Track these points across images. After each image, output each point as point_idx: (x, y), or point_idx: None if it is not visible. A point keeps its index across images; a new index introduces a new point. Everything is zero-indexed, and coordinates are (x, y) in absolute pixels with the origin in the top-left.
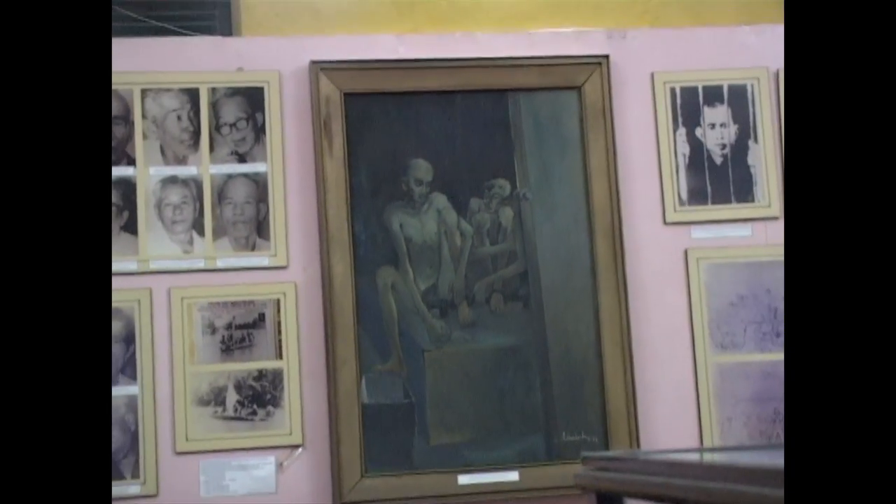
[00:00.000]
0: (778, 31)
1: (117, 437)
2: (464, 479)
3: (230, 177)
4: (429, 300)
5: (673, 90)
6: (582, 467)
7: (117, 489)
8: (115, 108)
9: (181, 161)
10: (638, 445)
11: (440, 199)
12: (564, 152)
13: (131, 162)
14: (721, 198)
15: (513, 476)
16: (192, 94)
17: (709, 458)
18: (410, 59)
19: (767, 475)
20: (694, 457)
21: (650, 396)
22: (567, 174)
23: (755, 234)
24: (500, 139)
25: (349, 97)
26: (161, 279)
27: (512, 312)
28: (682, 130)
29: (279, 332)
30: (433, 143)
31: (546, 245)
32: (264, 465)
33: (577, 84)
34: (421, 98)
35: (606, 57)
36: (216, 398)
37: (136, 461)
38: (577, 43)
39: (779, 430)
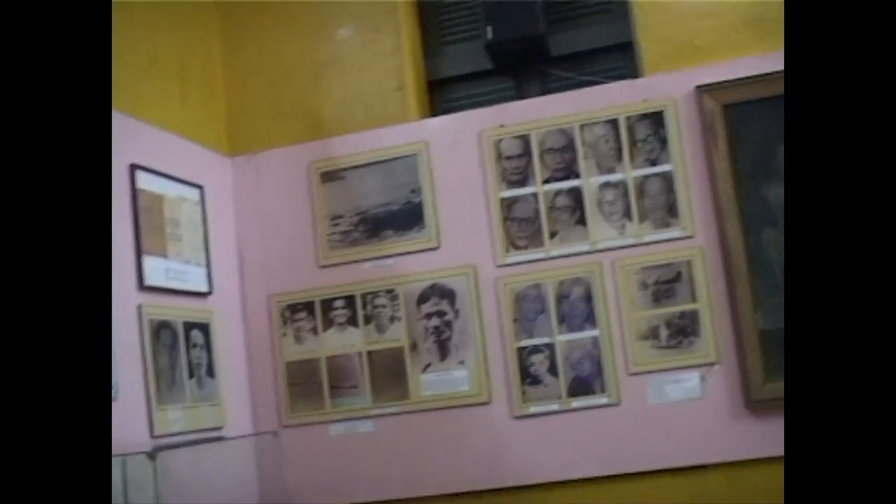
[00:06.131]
0: None
1: (588, 365)
2: None
3: (646, 177)
4: None
5: None
6: None
7: (591, 400)
8: (561, 140)
9: (611, 171)
10: None
11: None
12: None
13: (578, 176)
14: None
15: None
16: (614, 123)
17: None
18: (769, 72)
19: None
20: None
21: None
22: None
23: None
24: None
25: (726, 107)
26: (606, 255)
27: None
28: None
29: (692, 283)
30: None
31: None
32: (691, 379)
33: None
34: (780, 100)
35: None
36: (652, 333)
37: (602, 381)
38: None
39: None
